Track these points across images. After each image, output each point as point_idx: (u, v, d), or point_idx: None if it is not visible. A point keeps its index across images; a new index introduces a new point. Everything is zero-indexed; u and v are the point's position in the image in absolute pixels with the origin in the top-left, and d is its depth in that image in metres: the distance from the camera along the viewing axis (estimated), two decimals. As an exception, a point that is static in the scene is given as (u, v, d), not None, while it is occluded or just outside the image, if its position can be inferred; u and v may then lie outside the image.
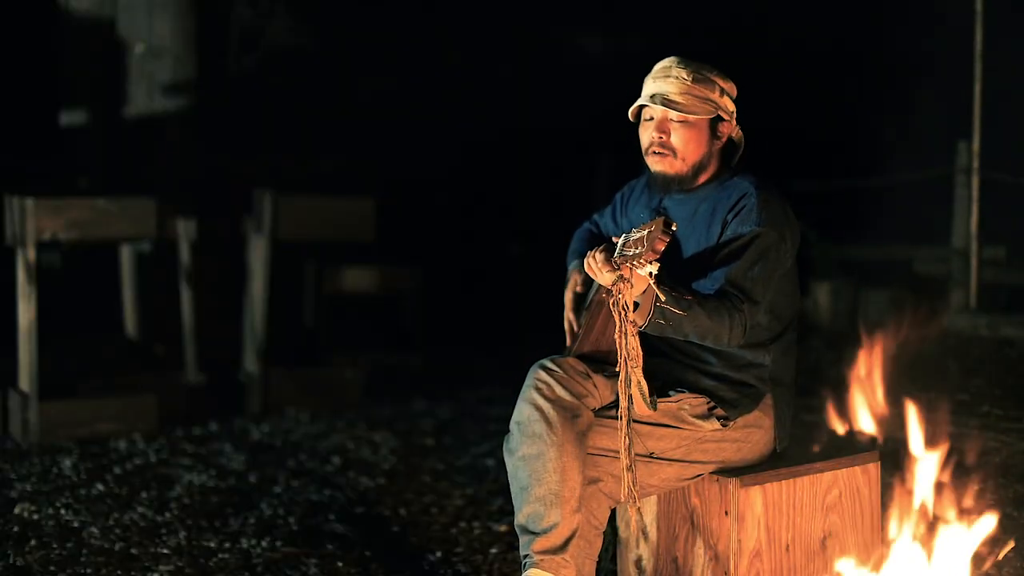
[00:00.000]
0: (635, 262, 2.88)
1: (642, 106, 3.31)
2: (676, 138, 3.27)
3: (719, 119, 3.29)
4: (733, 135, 3.36)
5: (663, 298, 2.94)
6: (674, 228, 2.95)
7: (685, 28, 9.81)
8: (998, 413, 5.17)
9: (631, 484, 3.02)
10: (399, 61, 9.22)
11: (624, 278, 2.92)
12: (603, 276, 2.98)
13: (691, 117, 3.24)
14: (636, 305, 3.00)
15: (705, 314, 3.04)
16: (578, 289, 3.57)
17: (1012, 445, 4.79)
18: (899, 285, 7.49)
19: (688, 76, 3.25)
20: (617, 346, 2.97)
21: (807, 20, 9.54)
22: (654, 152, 3.29)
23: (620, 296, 2.93)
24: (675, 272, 3.12)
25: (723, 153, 3.38)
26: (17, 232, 5.52)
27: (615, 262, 2.94)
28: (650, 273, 2.88)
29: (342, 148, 8.60)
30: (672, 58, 3.30)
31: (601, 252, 3.00)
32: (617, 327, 2.96)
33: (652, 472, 3.18)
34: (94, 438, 5.52)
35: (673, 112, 3.24)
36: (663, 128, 3.27)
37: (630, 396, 2.99)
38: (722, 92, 3.29)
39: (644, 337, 3.01)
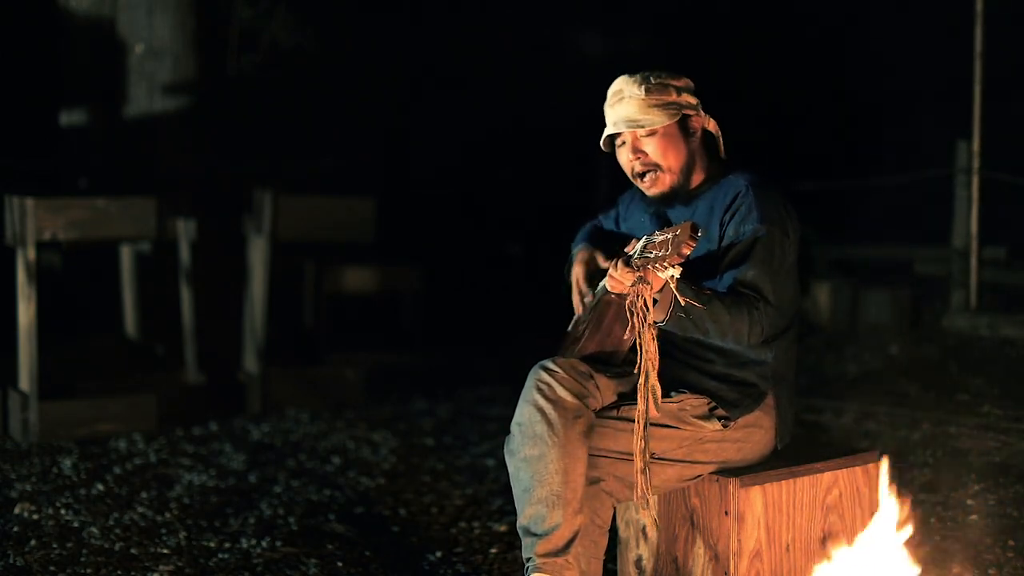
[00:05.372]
0: (657, 264, 2.87)
1: (611, 134, 3.32)
2: (653, 152, 3.28)
3: (686, 117, 3.30)
4: (707, 126, 3.36)
5: (683, 301, 2.94)
6: (700, 233, 2.92)
7: (685, 27, 9.81)
8: (998, 413, 5.18)
9: (645, 487, 3.02)
10: (399, 61, 9.22)
11: (644, 280, 2.91)
12: (625, 280, 2.97)
13: (659, 128, 3.25)
14: (654, 302, 2.99)
15: (725, 310, 3.05)
16: (578, 270, 3.53)
17: (1012, 445, 4.79)
18: (899, 285, 7.49)
19: (640, 90, 3.25)
20: (639, 347, 2.97)
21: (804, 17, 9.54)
22: (640, 175, 3.31)
23: (639, 299, 2.93)
24: (681, 274, 3.12)
25: (706, 148, 3.38)
26: (17, 232, 5.52)
27: (635, 263, 2.93)
28: (672, 277, 2.88)
29: (342, 148, 8.60)
30: (620, 79, 3.31)
31: (620, 261, 3.00)
32: (636, 329, 2.96)
33: (653, 473, 3.18)
34: (94, 438, 5.51)
35: (640, 130, 3.25)
36: (637, 149, 3.29)
37: (647, 399, 2.98)
38: (678, 91, 3.28)
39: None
